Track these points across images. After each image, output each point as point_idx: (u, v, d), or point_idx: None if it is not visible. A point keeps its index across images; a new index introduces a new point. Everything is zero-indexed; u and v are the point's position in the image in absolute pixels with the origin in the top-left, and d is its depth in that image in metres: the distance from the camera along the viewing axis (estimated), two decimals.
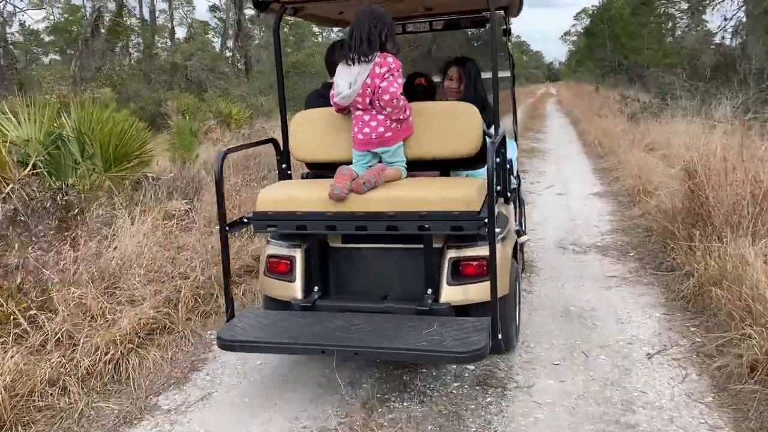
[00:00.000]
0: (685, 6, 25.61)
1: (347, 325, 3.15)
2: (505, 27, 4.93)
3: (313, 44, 38.54)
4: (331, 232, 3.31)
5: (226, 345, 3.15)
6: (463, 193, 3.15)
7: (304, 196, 3.36)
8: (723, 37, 27.99)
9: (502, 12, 4.51)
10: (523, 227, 5.41)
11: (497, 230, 3.17)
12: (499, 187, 3.54)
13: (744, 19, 26.94)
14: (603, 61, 58.08)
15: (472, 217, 3.07)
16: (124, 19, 41.87)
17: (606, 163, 11.02)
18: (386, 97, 3.27)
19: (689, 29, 39.44)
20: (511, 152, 4.17)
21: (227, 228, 3.40)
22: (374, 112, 3.34)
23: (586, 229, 6.71)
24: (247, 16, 38.07)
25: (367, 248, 3.51)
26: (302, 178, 4.14)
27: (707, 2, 30.99)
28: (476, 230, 3.07)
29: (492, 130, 3.53)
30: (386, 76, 3.27)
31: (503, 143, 3.51)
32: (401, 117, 3.36)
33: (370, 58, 3.26)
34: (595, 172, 10.56)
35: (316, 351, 3.04)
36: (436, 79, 4.41)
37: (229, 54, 40.02)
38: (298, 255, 3.53)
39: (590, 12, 73.16)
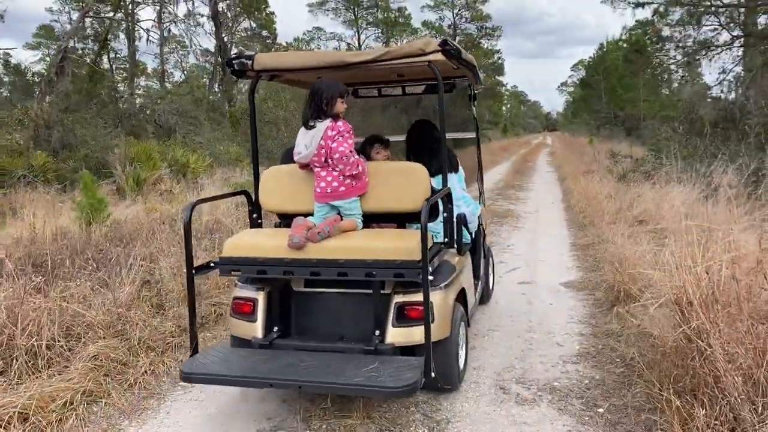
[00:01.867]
0: (679, 57, 24.22)
1: (297, 362, 3.41)
2: (470, 93, 5.34)
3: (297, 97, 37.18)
4: (288, 276, 3.63)
5: (188, 377, 3.40)
6: (405, 243, 3.48)
7: (265, 243, 3.68)
8: (722, 91, 26.69)
9: (465, 80, 5.04)
10: (491, 279, 6.13)
11: (440, 277, 3.70)
12: (446, 239, 3.94)
13: (742, 73, 25.59)
14: (598, 112, 57.17)
15: (412, 265, 3.38)
16: (109, 60, 41.10)
17: (586, 237, 9.18)
18: (336, 155, 3.71)
19: (686, 81, 38.54)
20: (466, 207, 4.74)
21: (194, 271, 3.67)
22: (329, 169, 3.78)
23: (545, 351, 4.82)
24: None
25: (325, 292, 3.84)
26: (275, 227, 4.41)
27: (703, 54, 29.70)
28: (416, 277, 3.36)
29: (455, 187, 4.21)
30: (336, 137, 3.72)
31: (449, 199, 3.91)
32: (353, 173, 3.76)
33: (320, 123, 3.74)
34: (573, 249, 8.72)
35: (265, 385, 3.31)
36: (394, 138, 4.97)
37: (213, 98, 38.87)
38: (260, 297, 3.84)
39: (586, 63, 73.06)
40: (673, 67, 37.66)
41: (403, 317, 3.58)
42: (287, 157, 4.25)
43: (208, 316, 5.66)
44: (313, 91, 3.77)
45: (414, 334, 3.54)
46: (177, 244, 6.83)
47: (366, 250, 3.47)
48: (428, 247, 3.38)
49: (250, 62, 3.98)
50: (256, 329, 3.78)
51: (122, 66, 44.64)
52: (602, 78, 58.33)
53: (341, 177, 3.73)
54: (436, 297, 3.60)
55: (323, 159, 3.74)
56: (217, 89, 40.07)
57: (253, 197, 4.31)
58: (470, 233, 4.92)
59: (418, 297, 3.48)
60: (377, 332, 3.64)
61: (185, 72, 47.79)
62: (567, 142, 43.51)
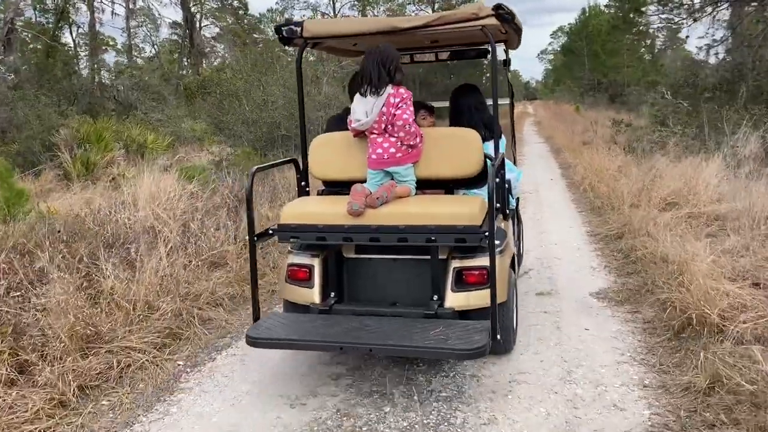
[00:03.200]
0: (678, 17, 22.58)
1: (362, 327, 3.47)
2: (504, 59, 5.19)
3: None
4: (348, 243, 3.68)
5: (254, 342, 3.44)
6: (467, 209, 3.52)
7: (323, 210, 3.74)
8: (716, 54, 25.22)
9: (502, 45, 4.86)
10: (522, 244, 5.96)
11: (496, 243, 3.49)
12: (498, 205, 3.72)
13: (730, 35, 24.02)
14: (582, 79, 55.57)
15: (474, 230, 3.40)
16: (71, 34, 38.50)
17: (607, 225, 7.60)
18: (399, 123, 3.68)
19: (666, 47, 37.38)
20: (509, 174, 4.30)
21: (255, 238, 3.71)
22: (387, 136, 3.73)
23: (601, 422, 3.20)
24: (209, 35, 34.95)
25: (377, 258, 3.85)
26: (318, 194, 4.30)
27: (685, 19, 27.92)
28: (478, 242, 3.42)
29: (492, 153, 3.85)
30: (400, 105, 3.68)
31: (502, 165, 3.89)
32: (412, 143, 3.74)
33: (382, 90, 3.67)
34: (592, 240, 7.14)
35: (335, 348, 3.40)
36: (438, 104, 4.95)
37: (184, 72, 36.76)
38: (316, 264, 3.86)
39: (567, 30, 71.26)
40: (655, 32, 36.28)
41: (462, 282, 3.63)
42: (333, 125, 4.38)
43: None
44: (374, 57, 3.70)
45: (472, 298, 3.61)
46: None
47: (426, 216, 3.50)
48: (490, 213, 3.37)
49: (299, 29, 3.92)
50: (313, 295, 3.82)
51: (87, 41, 42.11)
52: (585, 44, 56.71)
53: (399, 143, 3.71)
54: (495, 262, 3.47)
55: (383, 126, 3.71)
56: (186, 63, 37.95)
57: (301, 165, 4.33)
58: (514, 199, 4.94)
59: (476, 262, 3.60)
60: (435, 297, 3.68)
61: (155, 46, 45.44)
62: (552, 111, 41.85)
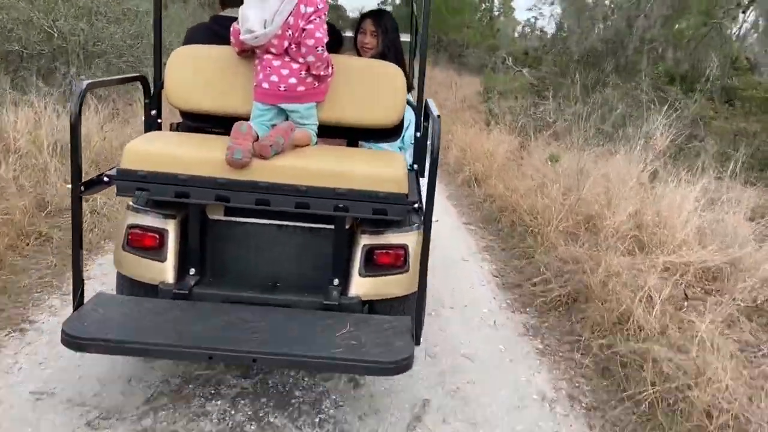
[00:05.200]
0: None
1: (238, 322, 2.52)
2: None
3: None
4: (224, 203, 2.56)
5: (76, 343, 2.36)
6: (391, 171, 2.63)
7: (188, 154, 2.59)
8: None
9: None
10: None
11: (415, 215, 2.75)
12: (416, 166, 3.03)
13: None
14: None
15: (400, 200, 2.56)
16: None
17: (533, 277, 4.40)
18: (310, 42, 2.69)
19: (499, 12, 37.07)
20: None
21: (82, 188, 2.55)
22: (287, 59, 2.75)
23: None
24: None
25: (255, 224, 2.81)
26: (171, 129, 3.30)
27: None
28: (403, 215, 2.64)
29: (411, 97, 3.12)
30: (313, 18, 2.70)
31: (426, 115, 2.96)
32: (322, 73, 2.79)
33: None
34: (518, 326, 3.93)
35: (202, 357, 2.40)
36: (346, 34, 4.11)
37: None
38: (171, 227, 2.74)
39: None
40: None
41: (373, 264, 2.73)
42: (198, 36, 3.25)
43: None
44: None
45: (385, 286, 2.75)
46: None
47: (337, 176, 2.54)
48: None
49: None
50: (165, 271, 2.70)
51: None
52: None
53: (303, 72, 2.76)
54: (410, 239, 2.75)
55: (285, 44, 2.71)
56: None
57: (152, 86, 3.15)
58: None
59: (392, 238, 2.74)
60: (335, 281, 2.76)
61: None
62: None
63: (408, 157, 3.39)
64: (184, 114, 3.17)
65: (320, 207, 2.55)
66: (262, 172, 2.54)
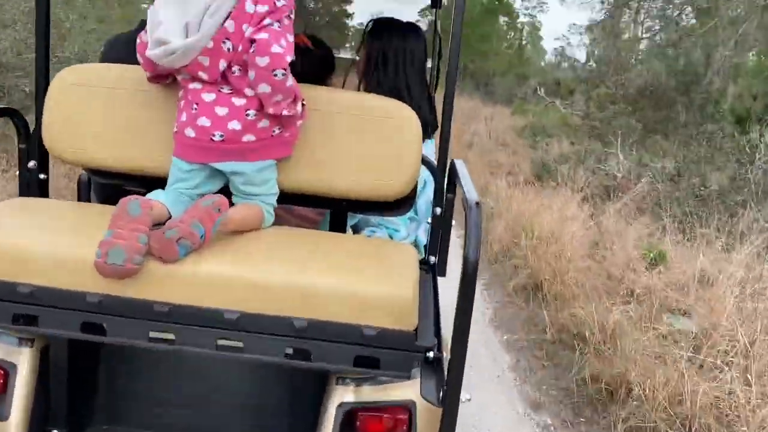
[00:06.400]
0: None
1: None
2: None
3: None
4: (95, 336, 1.62)
5: None
6: (392, 287, 1.59)
7: (49, 249, 1.64)
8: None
9: None
10: None
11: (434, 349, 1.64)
12: (428, 257, 2.08)
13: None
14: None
15: (403, 343, 1.56)
16: None
17: None
18: (263, 61, 1.64)
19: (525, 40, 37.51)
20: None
21: None
22: (226, 90, 1.73)
23: None
24: None
25: (183, 350, 1.80)
26: (80, 184, 2.45)
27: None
28: (407, 372, 1.58)
29: (432, 155, 2.23)
30: (265, 22, 1.67)
31: (450, 180, 2.03)
32: (284, 112, 1.72)
33: None
34: None
35: None
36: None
37: None
38: (23, 360, 1.72)
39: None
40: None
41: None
42: (117, 52, 2.27)
43: None
44: None
45: None
46: None
47: (294, 296, 1.56)
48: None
49: None
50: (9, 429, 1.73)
51: None
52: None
53: (249, 111, 1.70)
54: (418, 394, 1.61)
55: (220, 65, 1.69)
56: None
57: (33, 126, 2.16)
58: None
59: (387, 393, 1.60)
60: None
61: None
62: None
63: (422, 234, 2.44)
64: (87, 170, 2.19)
65: (260, 350, 1.58)
66: (163, 284, 1.59)
